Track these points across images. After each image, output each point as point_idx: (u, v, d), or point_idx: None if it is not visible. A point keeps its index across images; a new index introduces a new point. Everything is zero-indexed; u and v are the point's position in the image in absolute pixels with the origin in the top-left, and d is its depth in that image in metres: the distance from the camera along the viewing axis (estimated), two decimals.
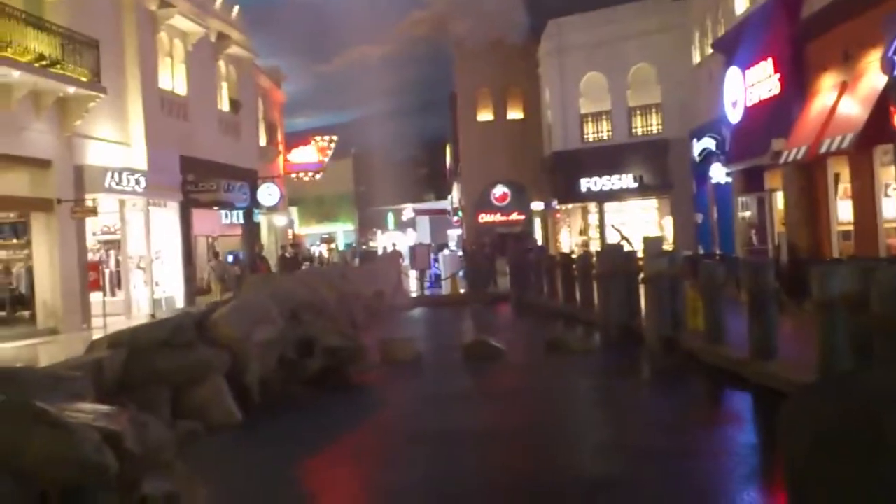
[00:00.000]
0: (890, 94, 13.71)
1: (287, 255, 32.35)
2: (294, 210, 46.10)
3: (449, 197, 56.37)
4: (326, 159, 39.77)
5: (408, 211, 59.30)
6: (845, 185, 16.67)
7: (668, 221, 31.18)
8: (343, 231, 60.30)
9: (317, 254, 46.18)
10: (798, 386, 7.58)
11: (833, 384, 2.74)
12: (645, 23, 30.84)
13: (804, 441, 2.31)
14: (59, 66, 18.36)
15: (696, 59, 27.92)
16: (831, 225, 17.08)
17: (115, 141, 21.85)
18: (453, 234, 51.92)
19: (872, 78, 14.77)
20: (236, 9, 30.94)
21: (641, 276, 14.86)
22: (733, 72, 21.20)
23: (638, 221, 31.26)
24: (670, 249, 18.29)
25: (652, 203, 32.47)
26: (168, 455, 6.79)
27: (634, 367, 13.79)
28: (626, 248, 17.63)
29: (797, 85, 17.97)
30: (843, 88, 15.95)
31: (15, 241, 19.68)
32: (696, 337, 13.05)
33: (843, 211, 16.76)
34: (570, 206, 34.86)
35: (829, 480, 2.22)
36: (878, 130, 14.23)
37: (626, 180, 31.79)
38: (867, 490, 2.11)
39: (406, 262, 34.39)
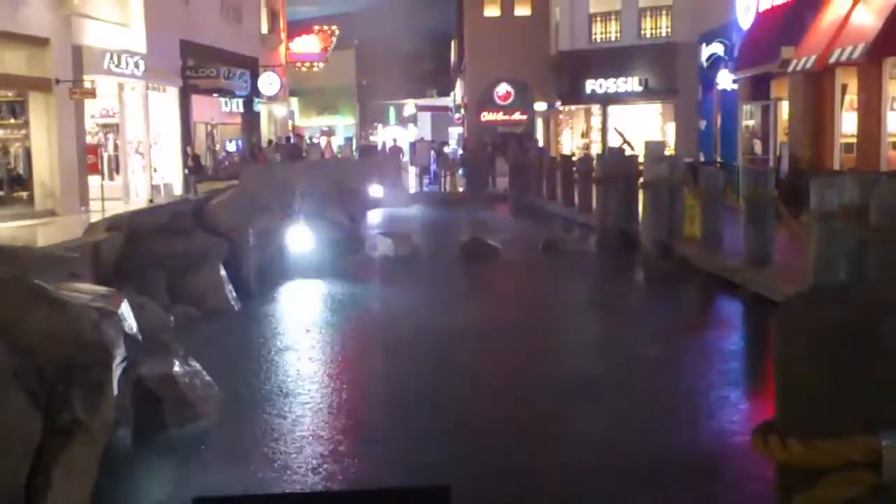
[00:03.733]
0: None
1: (289, 143, 32.19)
2: (294, 101, 45.54)
3: (452, 94, 55.67)
4: (329, 49, 39.10)
5: (409, 106, 58.63)
6: (852, 97, 16.46)
7: (671, 127, 30.91)
8: (343, 125, 59.70)
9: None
10: (791, 294, 7.65)
11: (831, 290, 2.75)
12: None
13: (799, 345, 2.33)
14: None
15: None
16: (835, 137, 16.94)
17: (115, 22, 21.42)
18: (454, 131, 51.48)
19: None
20: None
21: (641, 180, 14.81)
22: None
23: (641, 126, 30.97)
24: (671, 155, 18.16)
25: (656, 108, 32.13)
26: (165, 338, 6.90)
27: (628, 271, 13.90)
28: (628, 151, 17.53)
29: None
30: None
31: (13, 120, 19.49)
32: (692, 243, 13.10)
33: (848, 123, 16.59)
34: (573, 107, 34.47)
35: (821, 383, 2.25)
36: (890, 42, 13.97)
37: (632, 83, 31.36)
38: (860, 393, 2.14)
39: (406, 158, 34.22)
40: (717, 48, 24.51)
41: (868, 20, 14.86)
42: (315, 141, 43.26)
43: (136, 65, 21.43)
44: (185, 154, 24.29)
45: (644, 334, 9.36)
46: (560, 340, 9.50)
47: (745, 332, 9.69)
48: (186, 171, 23.14)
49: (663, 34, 31.21)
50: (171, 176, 24.27)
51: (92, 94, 19.52)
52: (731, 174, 14.92)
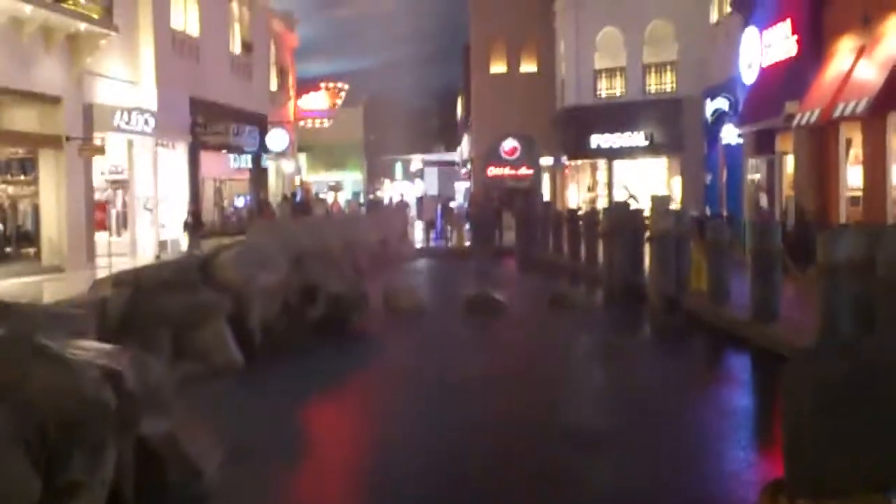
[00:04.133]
0: None
1: (296, 198, 32.30)
2: (302, 157, 45.93)
3: (458, 148, 56.10)
4: (337, 106, 39.53)
5: (416, 161, 59.05)
6: (856, 151, 16.52)
7: (677, 181, 31.02)
8: (351, 180, 60.12)
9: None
10: (798, 349, 7.60)
11: (836, 346, 2.73)
12: None
13: (806, 401, 2.31)
14: (70, 2, 18.22)
15: (714, 17, 27.51)
16: (840, 190, 16.96)
17: (125, 80, 21.72)
18: (461, 186, 51.75)
19: (891, 42, 14.57)
20: None
21: (647, 234, 14.82)
22: (750, 31, 20.91)
23: (647, 180, 31.10)
24: (677, 209, 18.19)
25: (662, 162, 32.28)
26: (167, 396, 6.85)
27: (636, 325, 13.83)
28: (633, 205, 17.57)
29: (814, 47, 17.71)
30: (861, 52, 15.72)
31: (22, 177, 19.65)
32: (699, 297, 13.06)
33: (853, 177, 16.62)
34: (579, 162, 34.66)
35: (829, 441, 2.22)
36: (893, 96, 14.05)
37: (637, 138, 31.56)
38: (868, 451, 2.11)
39: (413, 212, 34.34)
40: (721, 103, 24.68)
41: (871, 75, 14.98)
42: (322, 196, 43.51)
43: (147, 122, 21.68)
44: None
45: (651, 389, 9.27)
46: (566, 395, 9.40)
47: (753, 387, 9.60)
48: (184, 228, 22.86)
49: (668, 89, 31.50)
50: (179, 232, 24.35)
51: (101, 150, 19.73)
52: (737, 228, 14.93)
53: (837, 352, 2.55)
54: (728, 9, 24.71)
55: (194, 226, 22.24)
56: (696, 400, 8.83)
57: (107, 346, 6.37)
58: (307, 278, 12.79)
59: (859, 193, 16.23)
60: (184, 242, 23.70)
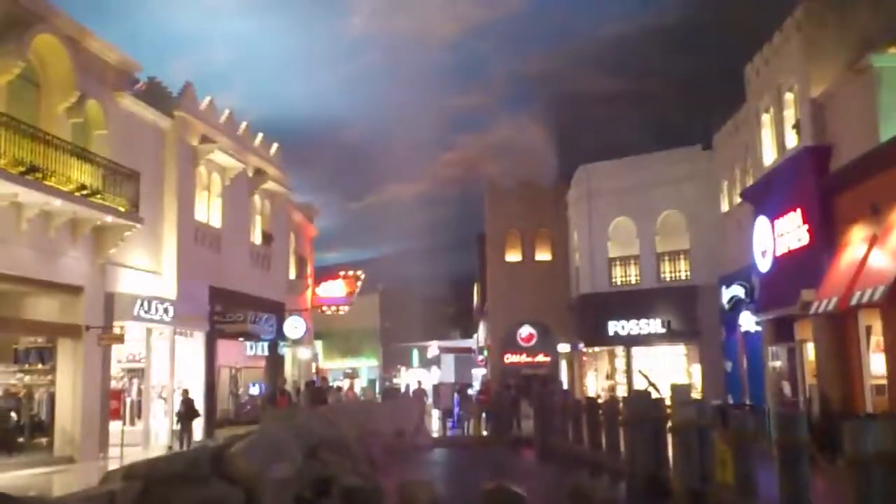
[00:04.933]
0: None
1: (313, 385, 32.04)
2: (319, 343, 46.03)
3: (475, 336, 56.20)
4: (354, 294, 40.00)
5: (432, 348, 59.03)
6: (878, 338, 16.39)
7: (697, 368, 30.69)
8: (367, 367, 59.99)
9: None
10: None
11: None
12: (674, 170, 31.25)
13: None
14: (99, 196, 18.85)
15: (725, 207, 28.14)
16: (864, 378, 16.70)
17: (147, 269, 22.15)
18: (478, 373, 51.46)
19: None
20: (275, 146, 31.90)
21: (669, 424, 14.49)
22: (762, 221, 21.29)
23: (666, 367, 30.77)
24: (699, 398, 17.89)
25: (680, 349, 32.07)
26: None
27: None
28: (654, 394, 17.29)
29: (826, 236, 17.95)
30: (874, 241, 15.91)
31: (40, 366, 19.70)
32: (726, 491, 12.58)
33: (877, 364, 16.40)
34: (596, 349, 34.52)
35: None
36: None
37: (654, 325, 31.53)
38: None
39: (430, 400, 33.96)
40: (737, 291, 24.81)
41: (885, 263, 15.08)
42: (337, 384, 43.25)
43: (166, 311, 21.92)
44: (207, 398, 23.87)
45: None
46: None
47: None
48: (176, 417, 21.88)
49: (683, 277, 31.71)
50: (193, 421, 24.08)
51: (120, 339, 19.85)
52: (761, 417, 14.60)
53: None
54: (738, 199, 25.30)
55: (187, 414, 21.70)
56: None
57: None
58: (321, 470, 12.44)
59: (884, 381, 15.96)
60: (199, 432, 23.39)
